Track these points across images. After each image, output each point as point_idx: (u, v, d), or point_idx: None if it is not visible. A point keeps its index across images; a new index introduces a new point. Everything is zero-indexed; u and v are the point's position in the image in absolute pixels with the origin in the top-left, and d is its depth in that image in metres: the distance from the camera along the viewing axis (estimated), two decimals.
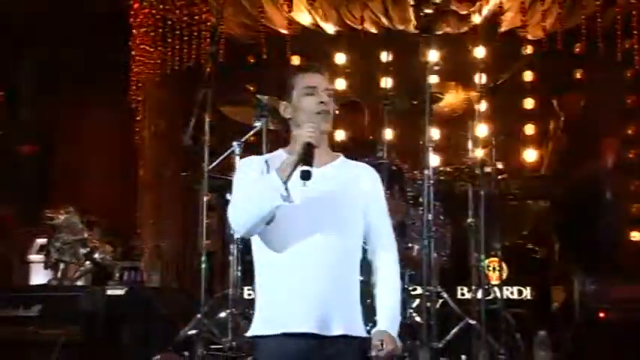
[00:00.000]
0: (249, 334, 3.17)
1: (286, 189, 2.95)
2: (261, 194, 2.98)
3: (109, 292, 6.55)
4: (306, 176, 2.92)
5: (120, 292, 6.60)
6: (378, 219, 3.29)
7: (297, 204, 3.00)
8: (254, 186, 3.03)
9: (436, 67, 6.48)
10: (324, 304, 3.06)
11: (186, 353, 6.05)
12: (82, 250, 6.98)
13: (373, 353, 3.08)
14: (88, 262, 6.96)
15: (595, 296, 5.22)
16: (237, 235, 3.12)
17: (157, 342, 6.13)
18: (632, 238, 8.18)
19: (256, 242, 3.15)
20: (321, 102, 3.17)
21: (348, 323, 3.10)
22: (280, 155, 3.21)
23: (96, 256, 6.98)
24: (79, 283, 6.93)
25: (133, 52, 8.33)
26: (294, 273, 3.06)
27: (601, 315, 5.19)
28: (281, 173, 2.97)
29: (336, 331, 3.06)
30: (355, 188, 3.22)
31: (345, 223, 3.16)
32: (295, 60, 8.78)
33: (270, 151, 6.07)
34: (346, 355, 3.10)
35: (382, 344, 3.06)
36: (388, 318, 3.18)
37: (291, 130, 3.24)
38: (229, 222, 3.09)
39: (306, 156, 2.98)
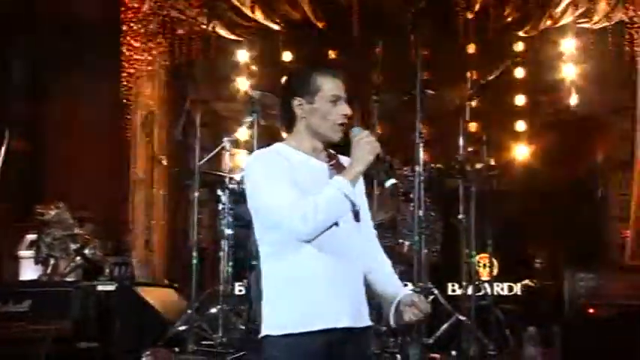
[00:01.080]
0: (276, 332, 3.02)
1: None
2: (332, 203, 2.97)
3: (100, 287, 6.54)
4: (394, 190, 2.98)
5: (110, 287, 6.59)
6: (367, 222, 3.30)
7: None
8: (327, 199, 2.97)
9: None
10: (356, 298, 3.11)
11: (176, 349, 6.05)
12: (73, 246, 6.97)
13: (411, 313, 3.09)
14: (78, 258, 6.95)
15: (584, 292, 5.23)
16: (300, 239, 2.96)
17: (147, 338, 6.13)
18: (622, 235, 8.20)
19: (278, 240, 3.03)
20: (344, 114, 3.14)
21: (368, 315, 3.16)
22: (285, 150, 3.13)
23: (86, 251, 6.97)
24: (70, 278, 6.91)
25: (124, 49, 8.31)
26: (330, 268, 3.03)
27: (590, 311, 5.21)
28: (350, 183, 2.99)
29: (364, 322, 3.12)
30: (357, 187, 3.22)
31: (360, 219, 3.18)
32: (286, 56, 8.81)
33: (261, 146, 6.18)
34: (367, 344, 3.20)
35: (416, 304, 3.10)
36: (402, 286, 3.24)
37: (298, 126, 3.16)
38: (287, 227, 2.96)
39: (377, 166, 3.03)
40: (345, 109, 3.13)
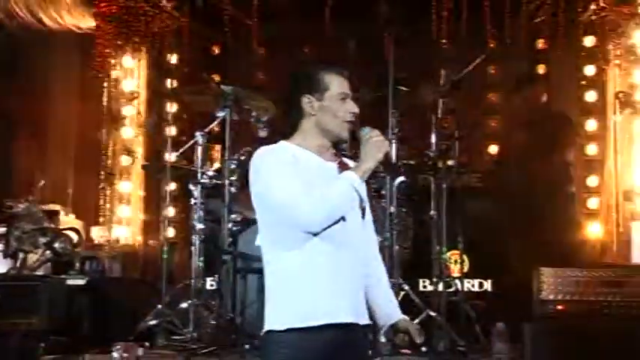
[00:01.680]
0: (279, 327, 3.03)
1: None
2: (344, 196, 3.02)
3: (70, 281, 6.51)
4: (403, 187, 3.05)
5: (80, 281, 6.56)
6: (369, 223, 3.35)
7: None
8: (337, 191, 3.02)
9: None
10: (357, 295, 3.15)
11: (147, 343, 6.02)
12: (42, 240, 6.91)
13: (403, 340, 3.30)
14: (48, 252, 6.90)
15: (553, 289, 5.27)
16: (308, 231, 2.97)
17: (117, 332, 6.09)
18: (589, 231, 8.28)
19: (286, 234, 3.05)
20: (352, 112, 3.19)
21: (367, 313, 3.21)
22: (292, 148, 3.14)
23: (56, 245, 6.91)
24: (39, 272, 6.86)
25: (97, 42, 8.26)
26: (335, 265, 3.05)
27: (559, 307, 5.25)
28: (360, 178, 3.04)
29: (365, 320, 3.17)
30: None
31: (365, 217, 3.24)
32: (259, 51, 8.79)
33: (231, 141, 6.18)
34: (367, 342, 3.31)
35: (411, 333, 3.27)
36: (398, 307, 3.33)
37: (305, 124, 3.19)
38: (296, 219, 3.00)
39: (386, 165, 3.12)
40: (353, 106, 3.19)
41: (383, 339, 3.32)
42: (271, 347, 3.06)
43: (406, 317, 3.32)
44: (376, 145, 3.10)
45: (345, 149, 3.44)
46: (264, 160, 3.10)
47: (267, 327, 3.08)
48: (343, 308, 3.06)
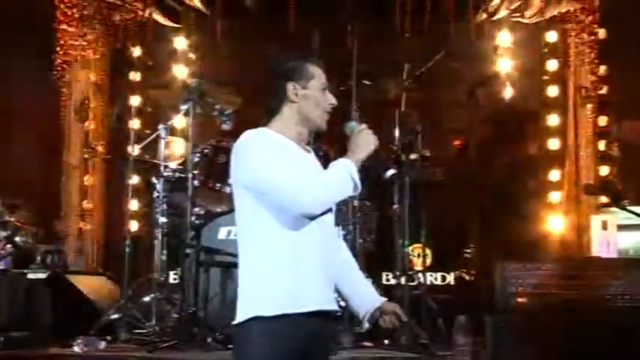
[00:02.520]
0: (268, 313, 3.00)
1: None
2: (341, 181, 3.03)
3: (31, 275, 6.45)
4: (394, 178, 3.08)
5: (42, 275, 6.51)
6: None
7: None
8: (336, 175, 3.04)
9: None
10: (332, 284, 3.20)
11: (109, 337, 6.00)
12: (3, 233, 6.85)
13: (391, 321, 3.36)
14: (9, 246, 6.83)
15: (514, 282, 5.32)
16: (308, 214, 2.98)
17: (79, 326, 6.06)
18: (551, 225, 8.36)
19: (278, 220, 3.04)
20: (332, 103, 3.24)
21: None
22: (278, 136, 3.14)
23: (17, 239, 6.85)
24: None
25: (59, 34, 8.18)
26: (322, 253, 3.09)
27: (520, 300, 5.30)
28: (354, 167, 3.06)
29: (337, 307, 3.22)
30: None
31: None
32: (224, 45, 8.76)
33: (195, 134, 6.16)
34: (333, 330, 3.33)
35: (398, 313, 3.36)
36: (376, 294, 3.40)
37: (286, 111, 3.20)
38: (296, 201, 2.97)
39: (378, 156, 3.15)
40: (332, 98, 3.25)
41: (365, 326, 3.31)
42: (251, 336, 3.02)
43: (387, 300, 3.38)
44: (369, 139, 3.14)
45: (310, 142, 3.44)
46: (253, 145, 3.08)
47: (250, 313, 3.02)
48: (326, 296, 3.12)
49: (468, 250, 7.58)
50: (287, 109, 3.19)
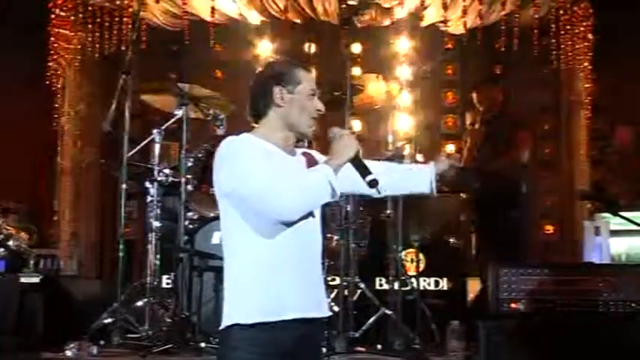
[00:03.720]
0: (244, 321, 3.02)
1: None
2: (318, 187, 3.02)
3: (23, 279, 6.43)
4: (374, 184, 3.10)
5: (35, 279, 6.49)
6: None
7: None
8: (312, 181, 3.03)
9: None
10: (318, 289, 3.21)
11: (102, 342, 5.99)
12: None
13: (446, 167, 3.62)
14: (1, 250, 6.81)
15: (507, 287, 5.33)
16: (285, 220, 3.00)
17: (72, 331, 6.05)
18: (545, 231, 8.38)
19: (255, 228, 3.05)
20: (319, 109, 3.23)
21: (326, 306, 3.27)
22: (256, 140, 3.16)
23: (10, 243, 6.83)
24: None
25: (52, 37, 8.17)
26: (297, 259, 3.09)
27: (513, 306, 5.30)
28: (333, 172, 3.05)
29: (326, 312, 3.22)
30: None
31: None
32: (218, 49, 8.78)
33: (190, 139, 6.16)
34: (323, 334, 3.33)
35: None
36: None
37: (271, 115, 3.21)
38: (273, 208, 2.98)
39: (359, 161, 3.14)
40: (319, 104, 3.23)
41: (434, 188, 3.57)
42: (233, 342, 3.04)
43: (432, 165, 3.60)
44: (348, 144, 3.12)
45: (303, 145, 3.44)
46: (233, 151, 3.09)
47: (230, 321, 3.06)
48: (308, 303, 3.11)
49: (462, 256, 7.57)
50: (272, 113, 3.20)
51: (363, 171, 3.12)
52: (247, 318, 3.03)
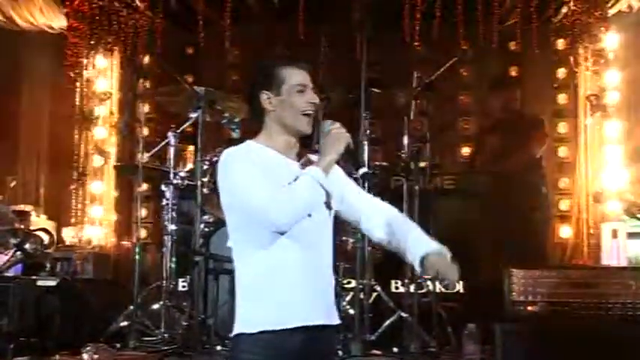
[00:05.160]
0: (251, 330, 3.01)
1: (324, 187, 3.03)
2: (310, 191, 3.00)
3: (40, 282, 6.45)
4: (368, 177, 3.04)
5: (51, 283, 6.51)
6: (358, 193, 3.33)
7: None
8: (300, 187, 3.00)
9: None
10: (327, 294, 3.15)
11: (118, 345, 6.00)
12: (13, 241, 6.85)
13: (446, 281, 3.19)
14: (18, 253, 6.84)
15: (524, 290, 5.31)
16: (279, 230, 2.97)
17: (88, 334, 6.07)
18: (560, 233, 8.34)
19: (256, 237, 3.03)
20: (311, 102, 3.14)
21: (337, 312, 3.22)
22: (257, 148, 3.13)
23: (27, 246, 6.85)
24: (9, 273, 6.80)
25: (68, 40, 8.20)
26: (304, 265, 3.05)
27: (529, 308, 5.29)
28: (323, 172, 3.02)
29: (335, 320, 3.18)
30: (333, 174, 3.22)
31: (332, 220, 3.22)
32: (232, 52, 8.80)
33: (204, 142, 6.16)
34: (335, 341, 3.28)
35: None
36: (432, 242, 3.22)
37: (268, 121, 3.17)
38: (266, 218, 2.96)
39: (349, 155, 3.10)
40: (311, 97, 3.15)
41: (418, 269, 3.19)
42: (243, 350, 3.04)
43: (440, 251, 3.16)
44: (336, 137, 3.09)
45: (311, 145, 3.39)
46: (231, 162, 3.08)
47: (237, 330, 3.06)
48: (316, 310, 3.07)
49: (478, 258, 7.53)
50: (268, 119, 3.16)
51: (355, 161, 3.09)
52: (250, 328, 3.03)
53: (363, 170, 3.09)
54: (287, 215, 2.97)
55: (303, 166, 3.12)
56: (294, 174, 3.08)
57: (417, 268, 3.17)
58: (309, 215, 3.04)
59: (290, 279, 3.03)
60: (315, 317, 3.06)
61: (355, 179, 3.34)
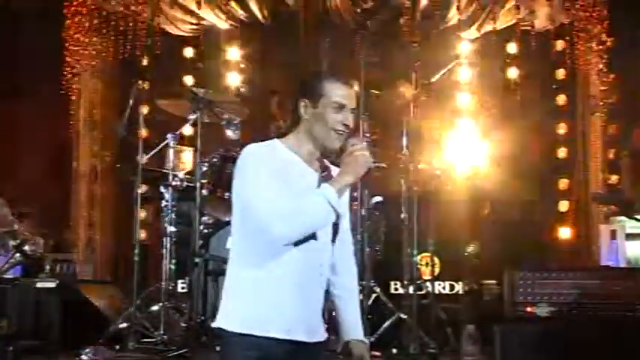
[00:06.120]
0: (228, 327, 3.01)
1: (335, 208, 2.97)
2: (317, 211, 2.96)
3: (40, 284, 6.46)
4: (380, 206, 3.00)
5: (51, 284, 6.51)
6: (347, 232, 3.31)
7: None
8: (310, 206, 2.96)
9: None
10: (314, 313, 3.10)
11: (117, 346, 6.00)
12: (12, 242, 6.86)
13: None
14: (18, 255, 6.84)
15: (523, 291, 5.32)
16: (277, 242, 2.93)
17: (88, 335, 6.07)
18: (560, 235, 8.35)
19: (257, 240, 3.00)
20: (345, 124, 3.09)
21: (323, 329, 3.17)
22: (281, 149, 3.11)
23: (26, 248, 6.86)
24: (8, 275, 6.81)
25: (67, 43, 8.21)
26: (297, 280, 3.01)
27: (528, 309, 5.29)
28: (337, 192, 2.96)
29: (319, 337, 3.12)
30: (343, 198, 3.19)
31: (337, 232, 3.17)
32: (232, 53, 8.80)
33: (203, 143, 6.17)
34: (321, 356, 3.18)
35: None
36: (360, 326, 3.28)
37: (299, 127, 3.14)
38: (267, 228, 2.92)
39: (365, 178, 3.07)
40: (346, 118, 3.09)
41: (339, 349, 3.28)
42: (222, 341, 3.05)
43: (365, 341, 3.26)
44: (359, 160, 3.02)
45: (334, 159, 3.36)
46: (247, 161, 3.05)
47: (217, 323, 3.06)
48: (298, 326, 3.03)
49: (477, 259, 7.55)
50: (301, 125, 3.13)
51: (370, 191, 3.06)
52: (230, 325, 3.02)
53: (376, 199, 3.06)
54: (290, 231, 2.94)
55: (322, 179, 3.09)
56: (311, 185, 3.05)
57: (341, 345, 3.29)
58: (314, 238, 3.01)
59: (280, 290, 2.99)
60: (297, 333, 3.02)
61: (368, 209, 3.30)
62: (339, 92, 3.09)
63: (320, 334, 3.13)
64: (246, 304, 3.02)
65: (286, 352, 3.00)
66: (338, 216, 3.00)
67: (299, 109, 3.12)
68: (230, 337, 3.01)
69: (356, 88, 3.20)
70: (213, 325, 3.08)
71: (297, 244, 2.98)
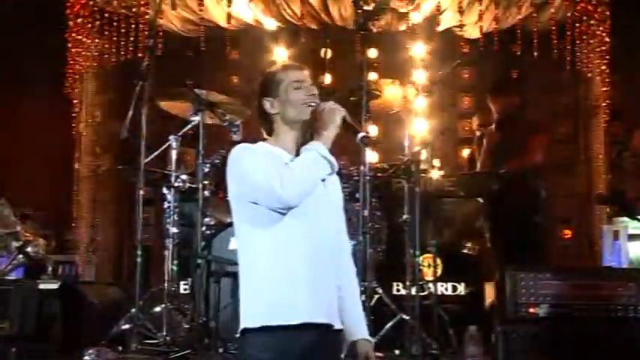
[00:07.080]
0: (253, 325, 3.05)
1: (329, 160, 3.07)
2: (314, 165, 3.04)
3: (42, 286, 6.46)
4: (366, 141, 3.14)
5: (53, 286, 6.52)
6: (344, 233, 3.39)
7: (319, 198, 3.11)
8: (302, 159, 3.06)
9: None
10: (332, 296, 3.17)
11: (120, 348, 6.00)
12: (15, 244, 6.87)
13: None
14: (20, 256, 6.85)
15: (525, 292, 5.31)
16: (287, 204, 3.01)
17: (90, 337, 6.07)
18: (563, 235, 8.35)
19: (262, 233, 3.07)
20: (311, 94, 3.21)
21: (339, 321, 3.22)
22: (272, 147, 3.20)
23: (29, 249, 6.87)
24: (11, 276, 6.81)
25: (70, 44, 8.21)
26: (304, 266, 3.07)
27: (531, 310, 5.29)
28: (325, 146, 3.06)
29: (339, 324, 3.18)
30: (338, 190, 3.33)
31: (342, 221, 3.31)
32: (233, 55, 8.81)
33: (206, 144, 6.17)
34: (340, 346, 3.26)
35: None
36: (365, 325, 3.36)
37: (275, 124, 3.24)
38: (273, 193, 2.99)
39: (346, 128, 3.14)
40: (310, 89, 3.21)
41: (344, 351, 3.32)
42: (247, 348, 3.07)
43: (370, 339, 3.35)
44: (331, 112, 3.12)
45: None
46: (237, 155, 3.14)
47: (242, 325, 3.09)
48: (320, 308, 3.08)
49: (479, 260, 7.54)
50: (275, 122, 3.24)
51: (353, 130, 3.14)
52: (252, 322, 3.06)
53: (361, 135, 3.12)
54: (294, 187, 3.00)
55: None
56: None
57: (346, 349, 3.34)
58: (316, 207, 3.08)
59: (294, 277, 3.04)
60: (318, 315, 3.07)
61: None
62: (292, 74, 3.23)
63: (338, 323, 3.18)
64: (266, 298, 3.05)
65: (309, 343, 3.03)
66: (332, 165, 3.08)
67: (266, 109, 3.23)
68: (252, 336, 3.04)
69: (306, 72, 3.28)
70: (239, 330, 3.11)
71: (305, 235, 3.05)
